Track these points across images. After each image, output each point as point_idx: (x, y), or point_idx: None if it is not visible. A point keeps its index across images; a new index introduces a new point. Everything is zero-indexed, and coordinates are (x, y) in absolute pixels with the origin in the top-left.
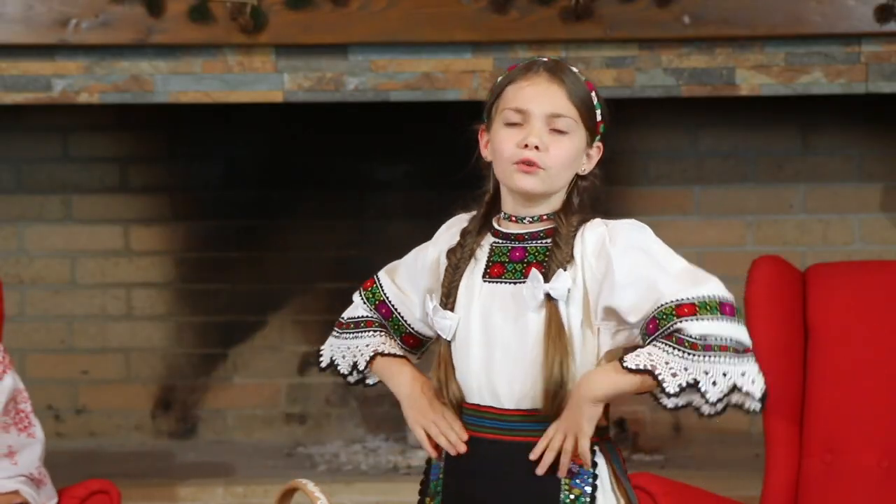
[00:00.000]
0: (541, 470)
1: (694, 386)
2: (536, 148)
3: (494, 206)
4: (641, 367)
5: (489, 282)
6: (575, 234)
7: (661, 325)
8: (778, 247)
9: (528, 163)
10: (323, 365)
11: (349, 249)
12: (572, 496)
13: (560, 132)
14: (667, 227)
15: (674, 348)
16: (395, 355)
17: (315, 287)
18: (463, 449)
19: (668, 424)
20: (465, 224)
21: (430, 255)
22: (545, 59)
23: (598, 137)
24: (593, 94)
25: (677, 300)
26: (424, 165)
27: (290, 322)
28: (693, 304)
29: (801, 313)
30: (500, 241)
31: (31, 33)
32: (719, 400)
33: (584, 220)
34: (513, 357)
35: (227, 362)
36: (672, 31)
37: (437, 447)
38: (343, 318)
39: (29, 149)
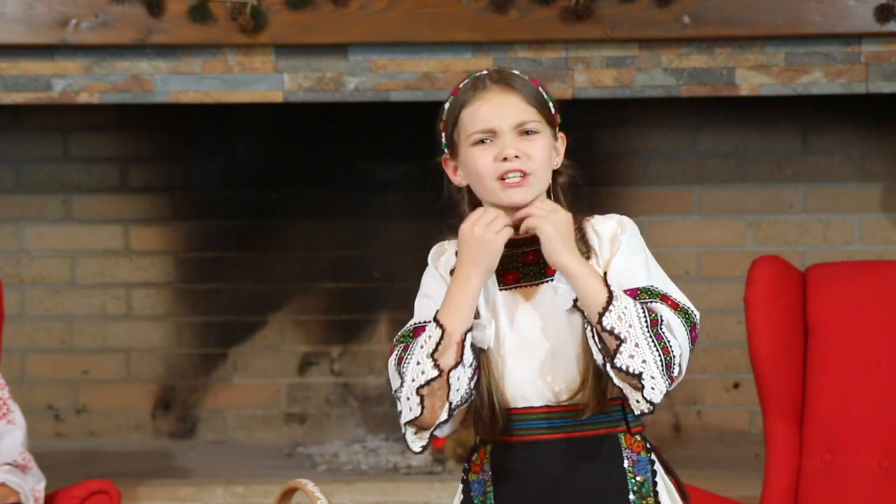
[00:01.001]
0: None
1: (616, 340)
2: (516, 157)
3: None
4: (610, 286)
5: (507, 289)
6: (584, 229)
7: (642, 297)
8: (778, 247)
9: (514, 173)
10: (410, 418)
11: (349, 249)
12: (638, 481)
13: (530, 134)
14: (667, 227)
15: (640, 308)
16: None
17: (315, 287)
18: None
19: (668, 424)
20: (449, 249)
21: (437, 290)
22: (486, 72)
23: (557, 129)
24: (540, 89)
25: (667, 293)
26: (424, 165)
27: (290, 322)
28: (678, 304)
29: (801, 313)
30: (505, 250)
31: (31, 33)
32: (615, 367)
33: (582, 217)
34: (555, 353)
35: (227, 362)
36: (672, 31)
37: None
38: (397, 386)
39: (29, 149)
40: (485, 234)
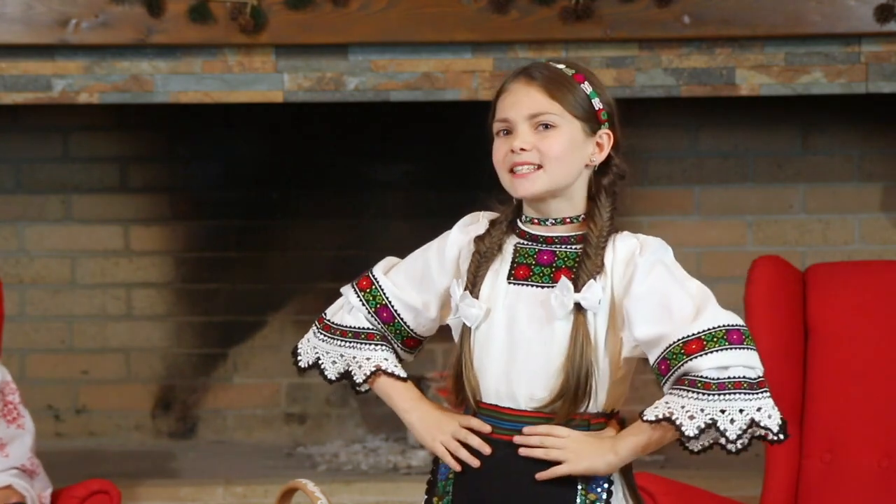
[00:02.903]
0: (523, 451)
1: (712, 426)
2: (522, 150)
3: (519, 210)
4: (660, 416)
5: (514, 284)
6: (605, 243)
7: (672, 366)
8: (778, 247)
9: (524, 166)
10: (303, 365)
11: (349, 249)
12: (590, 499)
13: (547, 128)
14: (667, 227)
15: (688, 391)
16: (397, 376)
17: (315, 287)
18: (487, 450)
19: None
20: (486, 220)
21: (449, 251)
22: (528, 65)
23: (603, 126)
24: (584, 84)
25: (683, 338)
26: (424, 165)
27: (290, 322)
28: (700, 340)
29: (801, 313)
30: (526, 243)
31: (31, 33)
32: (739, 437)
33: (613, 230)
34: (536, 363)
35: (227, 362)
36: (672, 31)
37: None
38: (333, 320)
39: (29, 149)
40: (444, 434)
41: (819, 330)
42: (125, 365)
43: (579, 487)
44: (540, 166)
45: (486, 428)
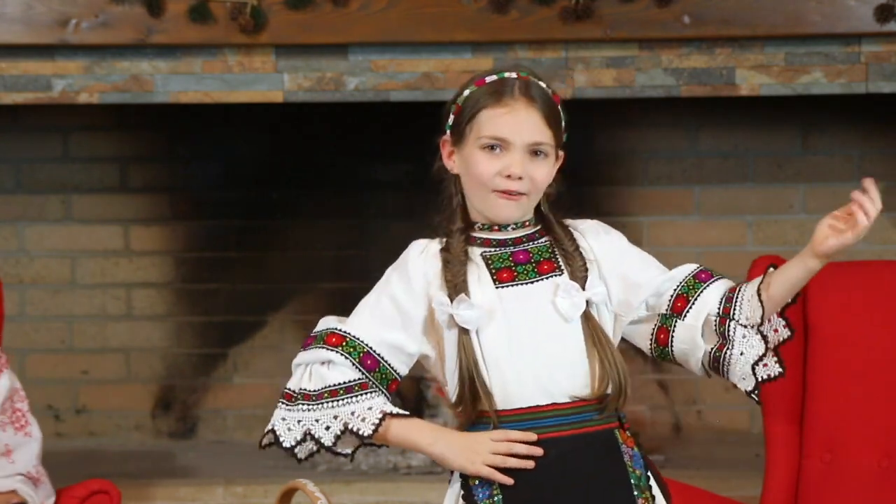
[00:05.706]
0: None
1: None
2: (519, 179)
3: (463, 217)
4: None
5: (503, 287)
6: (572, 237)
7: (692, 296)
8: (778, 247)
9: (511, 193)
10: (288, 444)
11: (349, 249)
12: (637, 475)
13: (538, 154)
14: (667, 227)
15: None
16: (404, 415)
17: (315, 287)
18: (540, 452)
19: (668, 424)
20: (430, 247)
21: (416, 282)
22: (514, 76)
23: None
24: (559, 108)
25: (692, 271)
26: (424, 165)
27: (290, 322)
28: (707, 271)
29: (801, 313)
30: (493, 250)
31: (31, 33)
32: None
33: (564, 222)
34: (555, 351)
35: (227, 362)
36: (672, 31)
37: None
38: (310, 387)
39: (29, 149)
40: (482, 454)
41: (819, 330)
42: (125, 365)
43: (627, 463)
44: (521, 194)
45: (532, 436)
